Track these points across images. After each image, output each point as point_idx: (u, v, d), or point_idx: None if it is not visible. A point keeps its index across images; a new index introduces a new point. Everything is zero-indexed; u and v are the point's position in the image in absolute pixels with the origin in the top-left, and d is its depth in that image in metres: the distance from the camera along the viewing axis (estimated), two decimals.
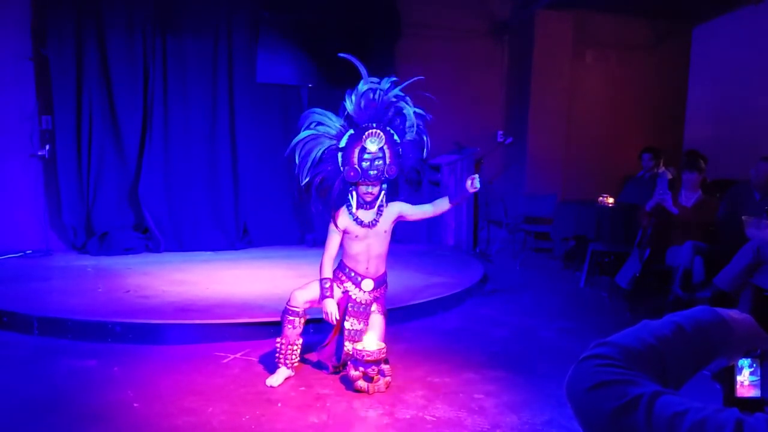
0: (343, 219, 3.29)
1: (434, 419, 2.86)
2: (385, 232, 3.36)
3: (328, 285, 3.27)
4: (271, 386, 3.22)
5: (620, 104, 8.23)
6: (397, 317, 4.41)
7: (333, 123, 3.27)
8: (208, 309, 4.28)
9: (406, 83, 3.37)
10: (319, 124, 3.26)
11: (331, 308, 3.25)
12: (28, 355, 3.67)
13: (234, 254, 6.60)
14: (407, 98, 3.33)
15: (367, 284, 3.36)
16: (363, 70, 3.30)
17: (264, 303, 4.43)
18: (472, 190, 3.24)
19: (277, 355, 3.33)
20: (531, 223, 7.36)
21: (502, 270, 6.50)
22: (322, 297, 3.26)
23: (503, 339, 4.19)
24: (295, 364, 3.35)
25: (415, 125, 3.32)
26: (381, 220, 3.32)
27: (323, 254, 3.32)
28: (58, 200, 6.40)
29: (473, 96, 8.01)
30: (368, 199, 3.27)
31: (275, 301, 4.41)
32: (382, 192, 3.32)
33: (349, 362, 3.23)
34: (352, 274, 3.36)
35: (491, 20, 8.05)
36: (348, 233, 3.31)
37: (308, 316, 3.39)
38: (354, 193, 3.28)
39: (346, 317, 3.36)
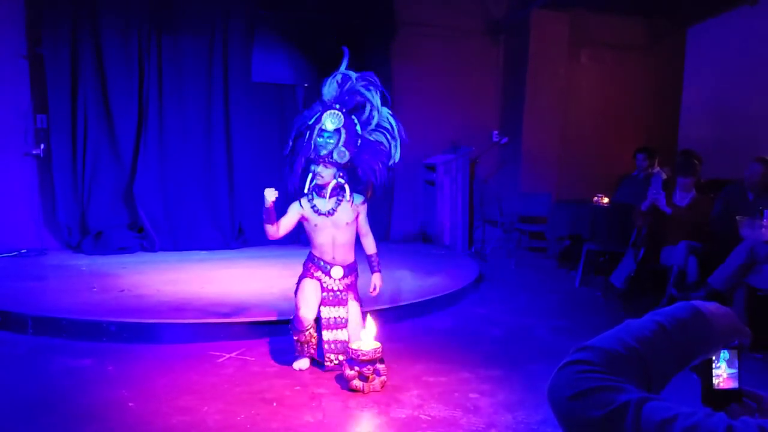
0: (304, 204, 3.41)
1: (429, 418, 2.86)
2: (347, 224, 3.44)
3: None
4: (299, 369, 3.43)
5: (615, 104, 8.25)
6: (392, 317, 4.42)
7: (318, 107, 3.42)
8: (203, 308, 4.27)
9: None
10: (310, 109, 3.46)
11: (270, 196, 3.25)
12: (22, 355, 3.66)
13: (229, 253, 6.59)
14: (376, 94, 3.40)
15: (337, 271, 3.45)
16: (345, 60, 3.42)
17: (259, 302, 4.43)
18: (372, 294, 3.56)
19: (298, 349, 3.49)
20: (526, 222, 7.38)
21: (498, 269, 6.51)
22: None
23: (498, 338, 4.20)
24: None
25: (375, 121, 3.40)
26: (339, 209, 3.40)
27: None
28: (53, 199, 6.38)
29: (469, 95, 8.02)
30: (319, 181, 3.36)
31: (270, 301, 4.43)
32: (335, 180, 3.37)
33: (344, 361, 3.24)
34: (321, 263, 3.45)
35: (487, 19, 8.06)
36: (307, 220, 3.42)
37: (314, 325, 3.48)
38: (311, 174, 3.37)
39: (322, 306, 3.44)
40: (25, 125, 6.35)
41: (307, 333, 3.43)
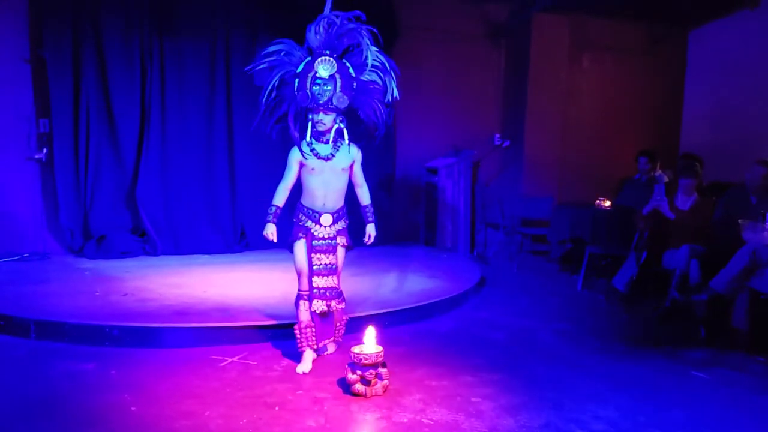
0: (304, 148, 3.42)
1: (431, 422, 2.86)
2: (343, 170, 3.49)
3: (273, 210, 3.48)
4: (303, 372, 3.41)
5: (617, 107, 8.25)
6: (394, 320, 4.42)
7: (297, 53, 3.43)
8: (206, 312, 4.27)
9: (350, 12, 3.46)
10: (287, 53, 3.44)
11: (270, 230, 3.47)
12: (24, 359, 3.66)
13: (231, 257, 6.59)
14: (367, 35, 3.43)
15: (326, 219, 3.50)
16: (329, 1, 3.43)
17: (261, 306, 4.43)
18: (367, 242, 3.66)
19: (298, 342, 3.50)
20: (528, 225, 7.38)
21: (500, 273, 6.50)
22: (266, 222, 3.46)
23: (500, 342, 4.19)
24: (317, 346, 3.55)
25: (371, 63, 3.43)
26: (338, 155, 3.44)
27: (279, 184, 3.49)
28: (56, 203, 6.39)
29: (470, 99, 8.04)
30: (320, 128, 3.38)
31: (272, 305, 4.43)
32: (336, 125, 3.41)
33: (346, 365, 3.24)
34: (311, 212, 3.50)
35: (488, 23, 8.07)
36: (304, 165, 3.44)
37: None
38: (310, 123, 3.39)
39: (312, 254, 3.49)
40: (28, 129, 6.35)
41: (307, 303, 3.49)
